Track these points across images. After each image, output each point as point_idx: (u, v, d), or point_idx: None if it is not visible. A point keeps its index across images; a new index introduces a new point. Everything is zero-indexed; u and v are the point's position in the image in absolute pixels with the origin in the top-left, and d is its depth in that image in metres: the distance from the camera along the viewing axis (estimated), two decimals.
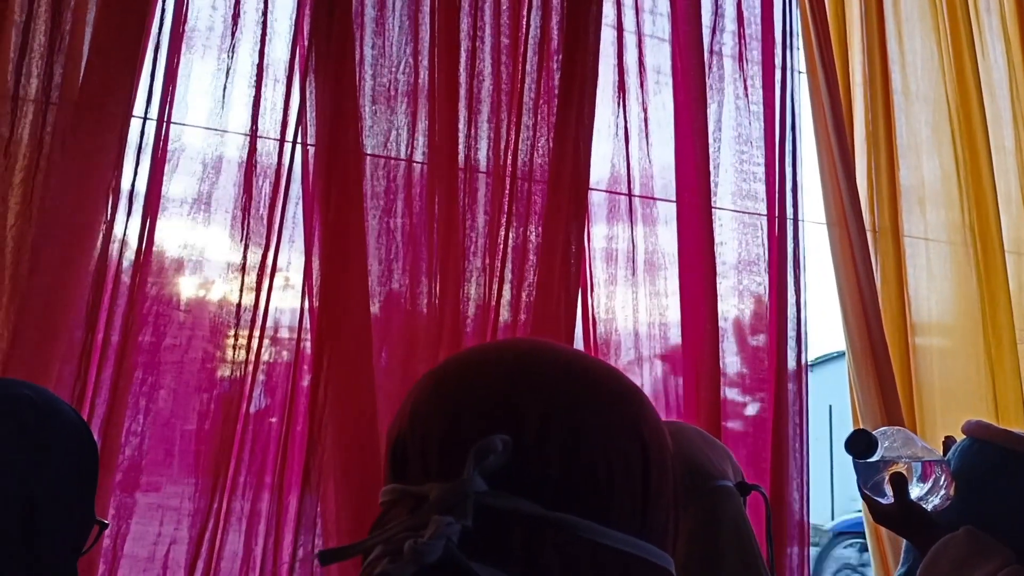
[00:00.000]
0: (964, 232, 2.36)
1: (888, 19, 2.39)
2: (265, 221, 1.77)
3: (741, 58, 2.21)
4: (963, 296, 2.32)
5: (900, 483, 1.08)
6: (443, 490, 0.52)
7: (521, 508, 0.52)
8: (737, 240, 2.15)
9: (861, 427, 1.25)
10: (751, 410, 2.11)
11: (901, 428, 1.23)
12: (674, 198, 2.10)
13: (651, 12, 2.17)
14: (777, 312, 2.11)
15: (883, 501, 1.12)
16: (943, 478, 1.11)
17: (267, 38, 1.82)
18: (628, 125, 2.09)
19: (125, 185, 1.67)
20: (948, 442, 1.25)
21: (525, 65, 1.97)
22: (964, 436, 1.19)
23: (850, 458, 1.14)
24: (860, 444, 1.09)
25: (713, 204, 2.12)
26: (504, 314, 1.87)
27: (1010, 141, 2.50)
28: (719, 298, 2.09)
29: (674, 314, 2.05)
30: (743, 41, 2.22)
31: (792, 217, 2.16)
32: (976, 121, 2.41)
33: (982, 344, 2.30)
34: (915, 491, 1.11)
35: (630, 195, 2.07)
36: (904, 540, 1.19)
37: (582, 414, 0.56)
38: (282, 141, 1.79)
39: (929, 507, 1.11)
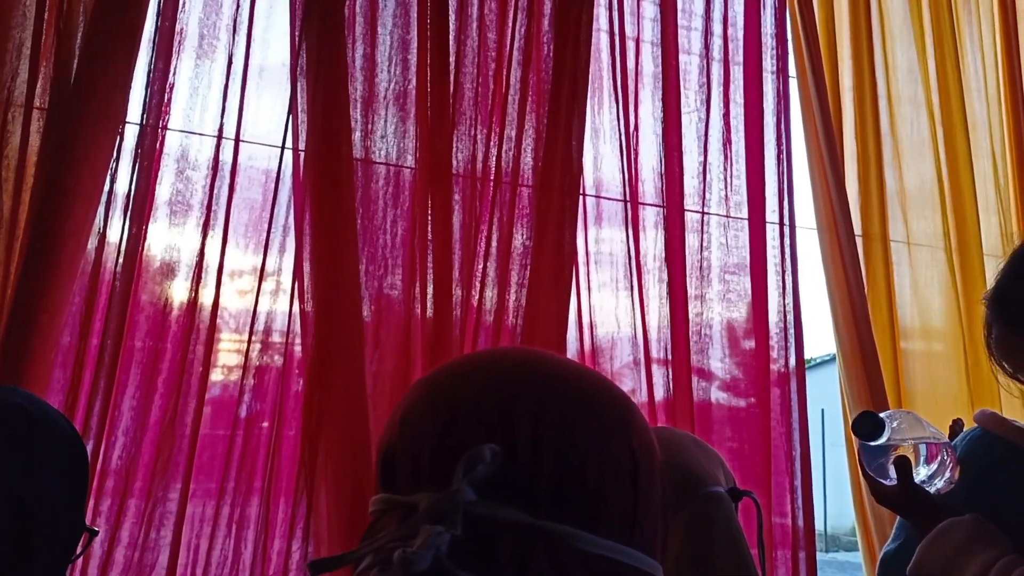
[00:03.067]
0: (946, 237, 2.37)
1: (875, 25, 2.40)
2: (256, 226, 1.78)
3: (728, 62, 2.21)
4: (946, 301, 2.33)
5: (904, 466, 1.08)
6: (433, 500, 0.52)
7: (511, 517, 0.53)
8: (732, 244, 2.15)
9: (868, 409, 1.24)
10: (747, 414, 2.11)
11: (909, 411, 1.22)
12: (663, 203, 2.10)
13: (641, 17, 2.17)
14: (770, 316, 2.12)
15: (886, 483, 1.12)
16: (948, 461, 1.11)
17: (259, 45, 1.82)
18: (619, 129, 2.09)
19: (118, 190, 1.66)
20: (956, 426, 1.23)
21: (512, 70, 1.97)
22: (975, 424, 1.17)
23: (856, 439, 1.13)
24: (866, 426, 1.08)
25: (706, 210, 2.12)
26: (495, 319, 1.87)
27: (988, 146, 2.51)
28: (713, 302, 2.09)
29: (665, 318, 2.05)
30: (729, 45, 2.22)
31: (777, 221, 2.17)
32: (959, 127, 2.42)
33: (967, 348, 2.30)
34: (920, 473, 1.10)
35: (624, 200, 2.07)
36: (897, 517, 1.18)
37: (573, 423, 0.56)
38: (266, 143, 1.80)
39: (932, 490, 1.10)
